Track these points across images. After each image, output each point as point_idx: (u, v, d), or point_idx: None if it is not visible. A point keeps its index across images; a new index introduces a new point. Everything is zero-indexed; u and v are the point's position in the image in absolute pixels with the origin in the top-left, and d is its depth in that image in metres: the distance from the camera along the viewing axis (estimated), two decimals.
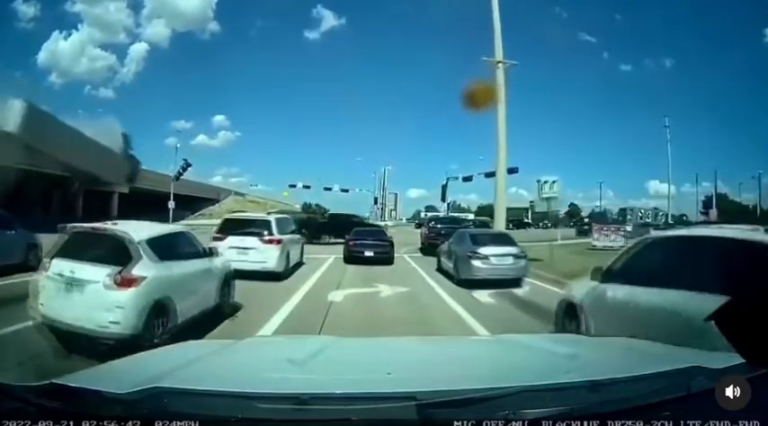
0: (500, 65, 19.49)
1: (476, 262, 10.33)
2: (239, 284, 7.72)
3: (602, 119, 71.23)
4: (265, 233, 10.54)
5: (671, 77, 52.40)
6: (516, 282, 10.48)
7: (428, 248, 18.05)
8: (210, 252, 6.47)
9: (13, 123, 19.97)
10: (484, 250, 10.54)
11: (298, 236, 13.21)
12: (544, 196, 16.19)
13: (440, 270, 12.75)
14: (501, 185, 20.35)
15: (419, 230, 42.14)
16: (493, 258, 10.39)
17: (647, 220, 53.84)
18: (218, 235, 10.39)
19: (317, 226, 24.42)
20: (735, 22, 48.36)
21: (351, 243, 14.92)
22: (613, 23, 58.20)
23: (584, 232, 40.16)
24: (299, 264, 12.78)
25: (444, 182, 41.97)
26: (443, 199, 44.31)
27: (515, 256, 10.73)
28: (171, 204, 30.32)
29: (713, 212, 42.36)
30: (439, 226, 20.13)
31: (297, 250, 12.64)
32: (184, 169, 33.77)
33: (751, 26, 45.93)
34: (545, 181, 16.23)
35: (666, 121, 39.94)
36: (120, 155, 28.14)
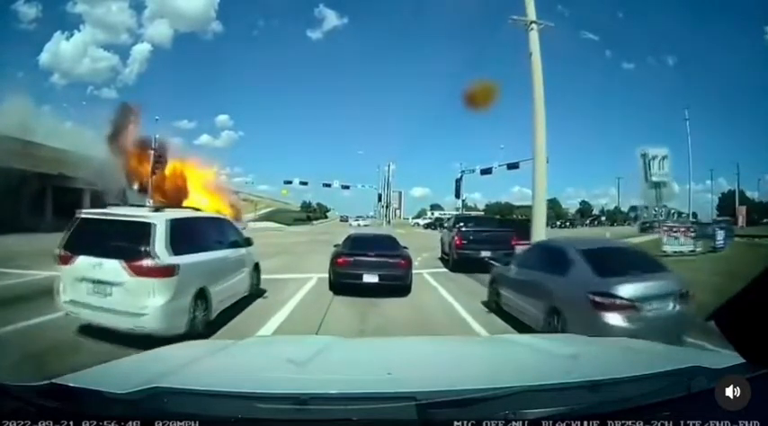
0: (533, 26, 15.96)
1: (614, 318, 4.83)
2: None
3: (605, 116, 71.11)
4: (141, 250, 5.03)
5: (673, 75, 51.96)
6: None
7: (457, 261, 12.71)
8: None
9: None
10: (626, 288, 4.96)
11: (243, 251, 7.51)
12: (654, 180, 10.73)
13: (495, 308, 7.27)
14: (540, 174, 15.39)
15: (429, 231, 41.23)
16: (645, 304, 4.96)
17: (661, 218, 52.82)
18: (62, 253, 5.32)
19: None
20: (738, 20, 48.03)
21: (341, 259, 8.91)
22: (615, 21, 58.01)
23: (644, 230, 39.97)
24: (250, 298, 7.62)
25: (459, 176, 36.52)
26: (458, 196, 38.32)
27: (679, 296, 5.19)
28: (149, 202, 29.87)
29: (742, 209, 38.73)
30: (471, 229, 13.86)
31: (237, 279, 7.07)
32: (157, 162, 32.63)
33: (754, 23, 45.52)
34: (653, 157, 10.76)
35: (686, 114, 33.90)
36: None
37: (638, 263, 5.70)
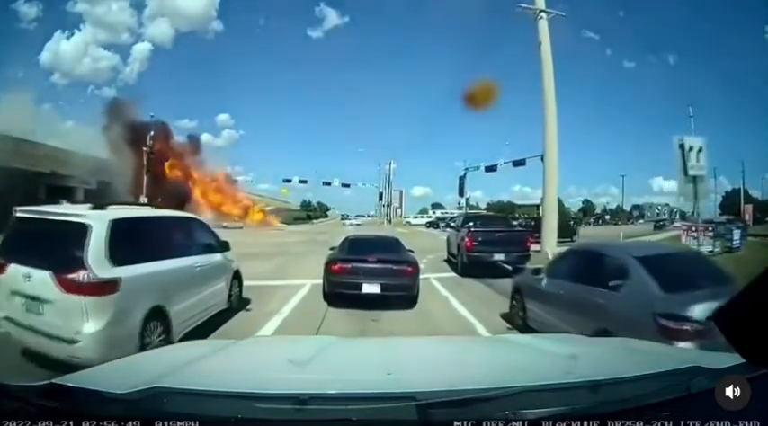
0: (542, 14, 15.25)
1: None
2: None
3: (606, 114, 71.00)
4: (73, 260, 4.03)
5: (675, 72, 51.96)
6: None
7: (467, 265, 11.65)
8: None
9: None
10: (702, 309, 3.62)
11: (218, 257, 6.44)
12: (691, 173, 9.39)
13: (520, 324, 6.10)
14: (551, 169, 14.42)
15: (431, 230, 40.99)
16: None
17: (665, 216, 52.47)
18: None
19: None
20: (742, 18, 47.79)
21: (337, 266, 7.78)
22: (616, 19, 57.86)
23: (659, 227, 39.96)
24: (228, 312, 6.58)
25: (462, 174, 36.01)
26: (461, 194, 37.88)
27: None
28: (143, 199, 29.27)
29: (748, 208, 38.39)
30: (482, 229, 12.61)
31: (210, 291, 6.00)
32: (150, 160, 31.79)
33: (757, 21, 45.24)
34: (690, 148, 9.15)
35: (690, 111, 32.24)
36: None
37: (707, 273, 4.56)
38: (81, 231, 4.08)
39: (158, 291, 4.64)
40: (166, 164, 39.01)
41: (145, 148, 32.15)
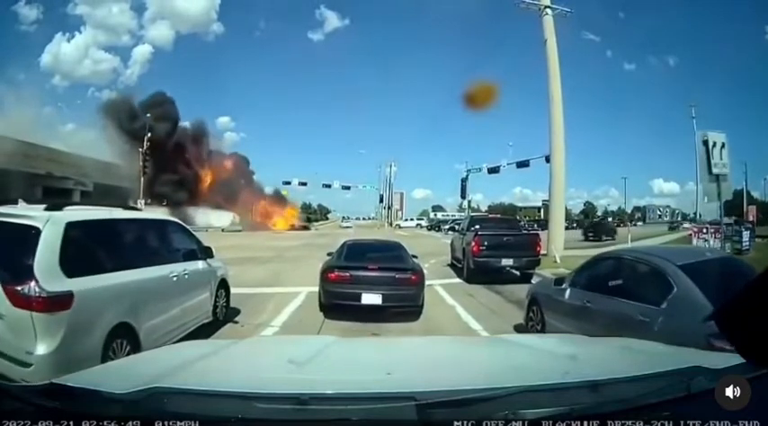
0: (547, 11, 14.91)
1: None
2: None
3: (606, 116, 71.03)
4: (21, 269, 3.43)
5: (675, 74, 52.00)
6: None
7: (473, 271, 11.04)
8: None
9: None
10: None
11: (200, 265, 5.83)
12: (715, 171, 9.06)
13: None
14: (558, 168, 13.90)
15: (432, 232, 40.84)
16: None
17: (666, 218, 52.53)
18: None
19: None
20: (744, 19, 47.80)
21: (333, 274, 7.15)
22: (617, 21, 57.94)
23: (673, 228, 40.60)
24: (213, 325, 6.02)
25: (464, 176, 35.28)
26: (463, 196, 37.28)
27: None
28: (140, 202, 27.20)
29: (752, 209, 38.27)
30: (490, 233, 11.69)
31: (190, 304, 5.39)
32: (146, 160, 30.92)
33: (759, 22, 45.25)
34: (713, 144, 8.83)
35: (693, 112, 31.94)
36: None
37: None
38: (31, 235, 3.51)
39: (124, 306, 4.03)
40: (173, 154, 38.21)
41: (141, 150, 31.76)
